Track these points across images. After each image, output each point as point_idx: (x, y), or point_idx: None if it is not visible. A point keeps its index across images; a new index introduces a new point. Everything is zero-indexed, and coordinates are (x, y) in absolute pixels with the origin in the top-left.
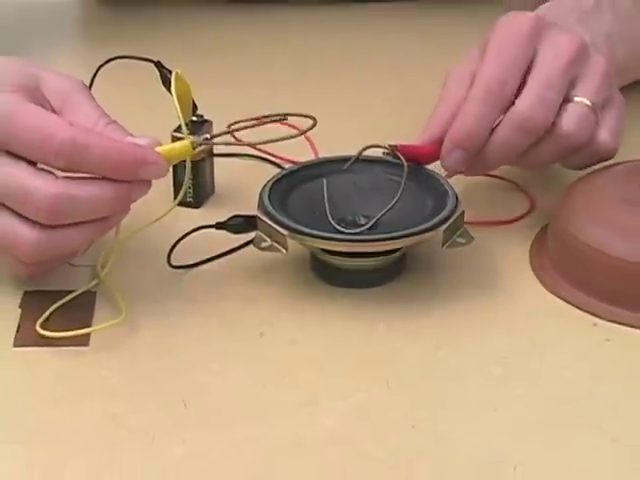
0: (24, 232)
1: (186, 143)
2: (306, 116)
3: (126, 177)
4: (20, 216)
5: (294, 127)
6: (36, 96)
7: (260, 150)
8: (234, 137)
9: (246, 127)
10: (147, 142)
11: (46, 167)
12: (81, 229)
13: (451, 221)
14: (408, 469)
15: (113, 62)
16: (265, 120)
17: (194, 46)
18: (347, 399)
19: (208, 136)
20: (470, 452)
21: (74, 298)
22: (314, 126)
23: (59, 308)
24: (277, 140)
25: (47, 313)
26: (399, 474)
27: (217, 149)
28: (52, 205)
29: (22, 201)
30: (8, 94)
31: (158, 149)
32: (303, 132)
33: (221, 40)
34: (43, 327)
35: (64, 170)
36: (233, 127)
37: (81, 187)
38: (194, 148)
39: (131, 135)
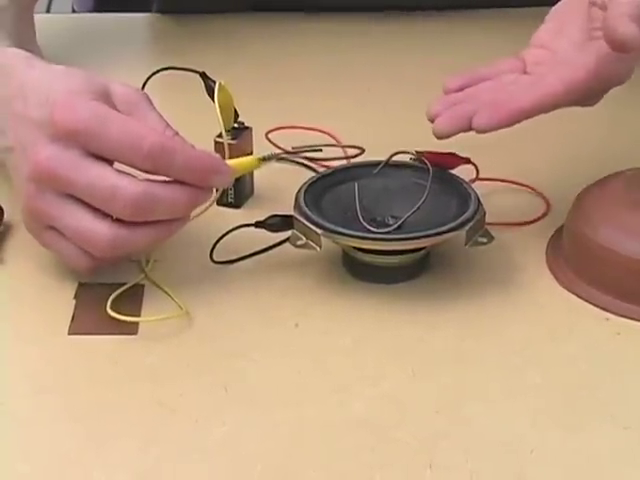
0: (102, 228)
1: (253, 159)
2: (355, 147)
3: (200, 183)
4: (98, 213)
5: (328, 134)
6: (110, 104)
7: (297, 155)
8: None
9: (305, 151)
10: (217, 156)
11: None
12: (153, 229)
13: (473, 222)
14: (432, 452)
15: (161, 72)
16: (319, 147)
17: (237, 58)
18: (375, 386)
19: (272, 153)
20: (490, 436)
21: (128, 290)
22: (361, 154)
23: (113, 299)
24: (330, 159)
25: (111, 298)
26: (423, 456)
27: (257, 154)
28: (137, 202)
29: (109, 198)
30: (92, 101)
31: (227, 162)
32: (350, 157)
33: (260, 52)
34: (104, 315)
35: (148, 172)
36: (294, 149)
37: (162, 188)
38: (259, 162)
39: (193, 147)
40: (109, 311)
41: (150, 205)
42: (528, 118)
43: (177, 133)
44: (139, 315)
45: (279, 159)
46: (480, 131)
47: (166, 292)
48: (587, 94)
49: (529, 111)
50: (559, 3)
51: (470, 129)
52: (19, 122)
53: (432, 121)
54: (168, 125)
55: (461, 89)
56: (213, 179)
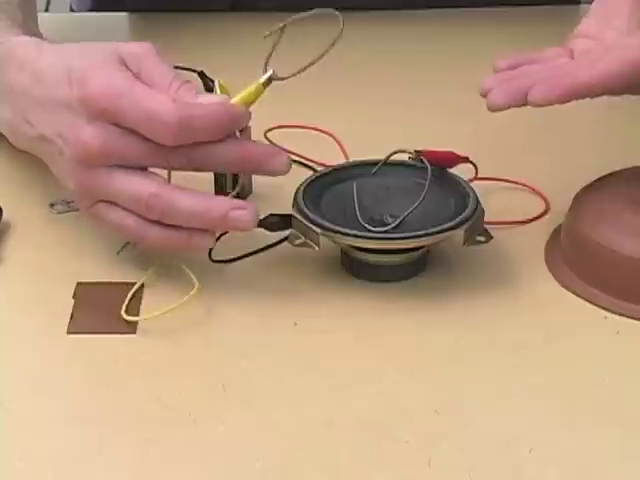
0: (152, 184)
1: (257, 86)
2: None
3: (222, 136)
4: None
5: (327, 133)
6: (124, 66)
7: (294, 154)
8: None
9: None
10: (224, 99)
11: None
12: (202, 196)
13: (472, 221)
14: (431, 451)
15: None
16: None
17: (232, 56)
18: (374, 385)
19: (271, 72)
20: (489, 435)
21: (127, 289)
22: (341, 32)
23: (112, 298)
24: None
25: (127, 301)
26: (422, 455)
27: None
28: (179, 127)
29: (151, 129)
30: (118, 73)
31: (236, 100)
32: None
33: (258, 51)
34: (103, 314)
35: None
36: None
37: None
38: (264, 86)
39: (202, 94)
40: (123, 315)
41: (191, 129)
42: (586, 96)
43: (187, 81)
44: (137, 314)
45: (279, 79)
46: (536, 104)
47: (183, 268)
48: None
49: (589, 86)
50: None
51: (525, 104)
52: (44, 108)
53: (484, 96)
54: (176, 75)
55: (511, 69)
56: (233, 126)
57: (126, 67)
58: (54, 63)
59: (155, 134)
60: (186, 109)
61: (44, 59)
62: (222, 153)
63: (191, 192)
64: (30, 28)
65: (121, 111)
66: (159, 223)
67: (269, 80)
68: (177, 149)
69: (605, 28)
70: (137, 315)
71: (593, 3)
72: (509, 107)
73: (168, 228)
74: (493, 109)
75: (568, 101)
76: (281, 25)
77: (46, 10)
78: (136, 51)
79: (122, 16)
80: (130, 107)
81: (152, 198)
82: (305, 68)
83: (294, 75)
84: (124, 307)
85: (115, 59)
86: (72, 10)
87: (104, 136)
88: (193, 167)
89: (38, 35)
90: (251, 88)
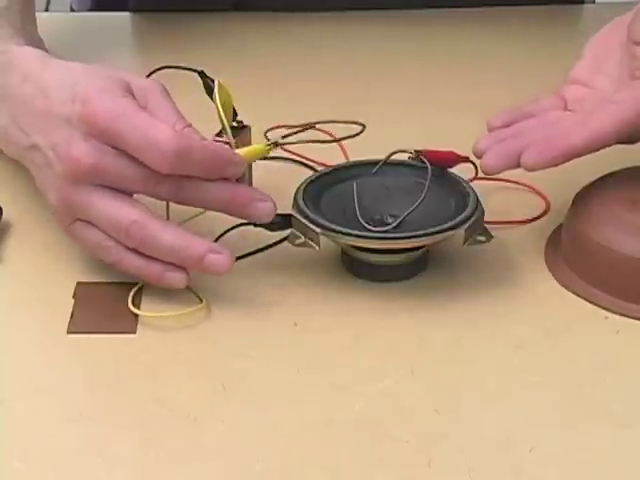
0: (134, 212)
1: (260, 146)
2: (355, 122)
3: (215, 176)
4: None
5: (329, 134)
6: (132, 96)
7: (294, 153)
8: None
9: (297, 132)
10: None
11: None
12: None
13: (472, 221)
14: (431, 450)
15: (158, 71)
16: (312, 124)
17: (233, 57)
18: (375, 384)
19: (279, 140)
20: (489, 435)
21: (127, 289)
22: (362, 131)
23: (111, 298)
24: (340, 139)
25: (132, 293)
26: (422, 455)
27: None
28: (176, 155)
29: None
30: (122, 98)
31: (237, 151)
32: (352, 136)
33: (257, 51)
34: (103, 313)
35: (168, 172)
36: (300, 127)
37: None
38: (268, 150)
39: (204, 139)
40: (131, 307)
41: (185, 159)
42: (578, 157)
43: (189, 125)
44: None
45: (283, 144)
46: (528, 168)
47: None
48: (636, 132)
49: (581, 149)
50: (594, 37)
51: (519, 165)
52: (44, 120)
53: (479, 157)
54: (181, 117)
55: (505, 126)
56: (227, 170)
57: (132, 97)
58: (61, 81)
59: (152, 159)
60: (186, 140)
61: (49, 75)
62: (211, 190)
63: (173, 227)
64: (29, 32)
65: (121, 133)
66: (136, 251)
67: (275, 144)
68: (168, 179)
69: (597, 73)
70: (137, 315)
71: (585, 46)
72: (503, 170)
73: (144, 258)
74: (487, 172)
75: (562, 163)
76: (307, 125)
77: (46, 10)
78: (145, 85)
79: (122, 16)
80: (131, 130)
81: (133, 226)
82: (309, 141)
83: (296, 143)
84: (130, 300)
85: (122, 86)
86: (72, 10)
87: (97, 155)
88: (180, 200)
89: (37, 39)
90: (254, 147)
